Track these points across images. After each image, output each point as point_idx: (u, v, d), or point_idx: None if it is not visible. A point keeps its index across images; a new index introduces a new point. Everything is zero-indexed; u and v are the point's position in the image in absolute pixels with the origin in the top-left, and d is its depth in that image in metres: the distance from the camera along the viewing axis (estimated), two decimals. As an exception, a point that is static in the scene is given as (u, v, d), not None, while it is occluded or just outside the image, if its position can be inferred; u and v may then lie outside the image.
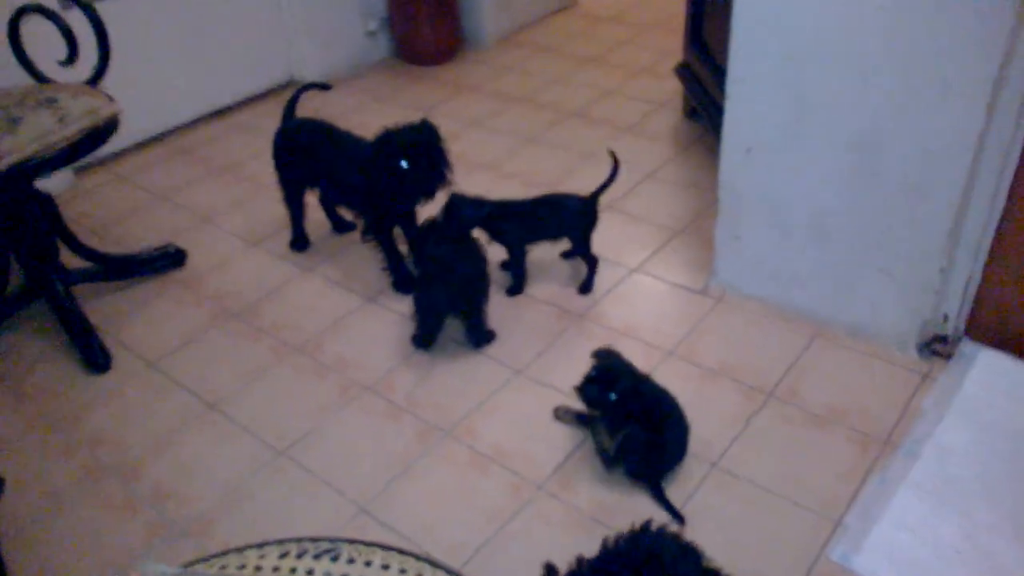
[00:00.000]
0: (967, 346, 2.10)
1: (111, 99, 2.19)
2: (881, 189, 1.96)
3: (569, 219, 2.36)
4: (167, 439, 2.00)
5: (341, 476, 1.88)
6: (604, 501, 1.80)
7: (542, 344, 2.22)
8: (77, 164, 3.10)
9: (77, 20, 2.22)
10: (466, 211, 2.20)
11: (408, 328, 2.25)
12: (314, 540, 1.06)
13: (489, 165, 3.05)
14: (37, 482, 1.92)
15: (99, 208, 2.94)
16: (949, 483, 1.80)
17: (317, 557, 1.03)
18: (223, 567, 1.02)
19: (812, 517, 1.74)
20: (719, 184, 2.24)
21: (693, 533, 1.71)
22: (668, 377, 2.02)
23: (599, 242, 2.47)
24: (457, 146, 3.09)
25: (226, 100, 3.55)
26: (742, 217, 2.23)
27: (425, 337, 2.21)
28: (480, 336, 2.21)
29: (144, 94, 3.24)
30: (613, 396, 1.78)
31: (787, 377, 2.08)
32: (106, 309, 2.43)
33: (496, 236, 2.33)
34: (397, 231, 2.40)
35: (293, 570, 1.01)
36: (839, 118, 1.94)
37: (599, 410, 1.86)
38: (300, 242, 2.64)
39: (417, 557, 1.03)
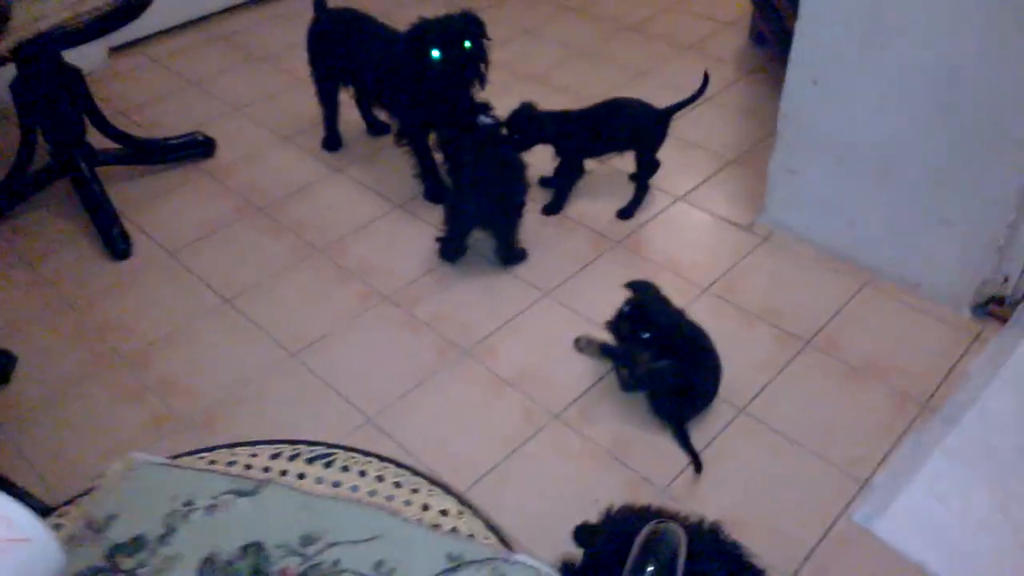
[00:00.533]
0: (1026, 311, 1.97)
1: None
2: (955, 128, 1.79)
3: (641, 130, 2.23)
4: (180, 330, 1.96)
5: (352, 384, 1.82)
6: (621, 436, 1.72)
7: (574, 268, 2.12)
8: (112, 44, 3.01)
9: None
10: (541, 121, 2.09)
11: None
12: (310, 444, 1.00)
13: (536, 77, 2.90)
14: (48, 365, 1.89)
15: (131, 90, 2.86)
16: (987, 452, 1.69)
17: (310, 461, 0.97)
18: (212, 462, 0.97)
19: (837, 474, 1.65)
20: (780, 112, 2.08)
21: (711, 478, 1.64)
22: (702, 315, 1.91)
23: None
24: (504, 54, 2.95)
25: (270, -14, 3.41)
26: (800, 150, 2.08)
27: (453, 249, 2.11)
28: (511, 255, 2.11)
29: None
30: (647, 335, 1.68)
31: (828, 326, 1.96)
32: (130, 193, 2.38)
33: (559, 148, 2.22)
34: (433, 137, 2.28)
35: (284, 472, 0.95)
36: (919, 45, 1.76)
37: (631, 348, 1.77)
38: (332, 141, 2.54)
39: (414, 471, 0.96)
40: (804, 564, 1.51)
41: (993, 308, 1.98)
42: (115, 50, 3.04)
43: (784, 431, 1.73)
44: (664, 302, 1.74)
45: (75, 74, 2.17)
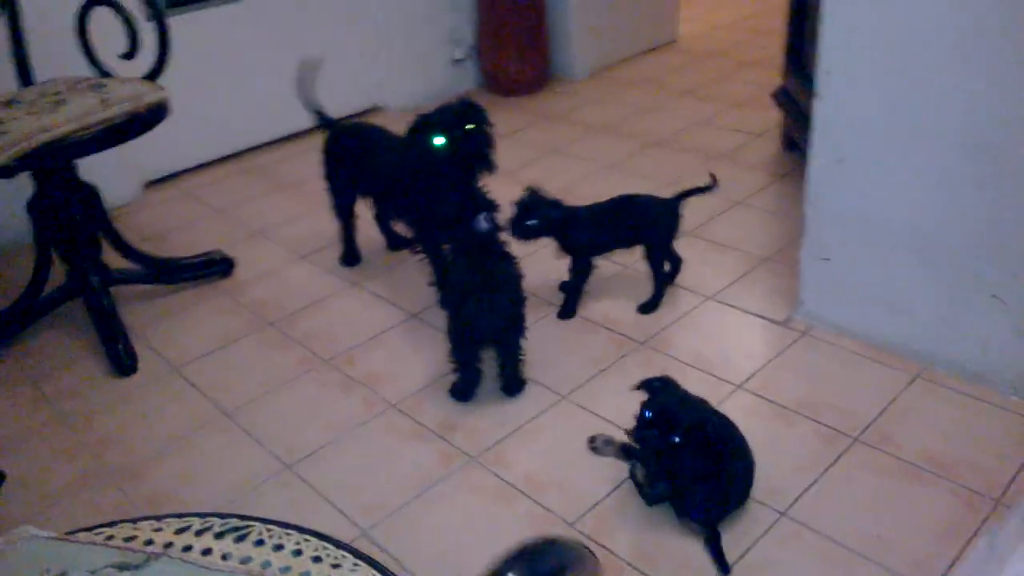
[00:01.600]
0: (1108, 395, 1.73)
1: (161, 88, 2.12)
2: (995, 197, 1.64)
3: (652, 220, 2.12)
4: (176, 444, 1.85)
5: (348, 495, 1.67)
6: (644, 547, 1.51)
7: (593, 370, 1.97)
8: (147, 179, 3.09)
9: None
10: (544, 210, 2.00)
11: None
12: (222, 516, 0.85)
13: (560, 189, 2.85)
14: (36, 482, 1.79)
15: (159, 218, 2.90)
16: (1082, 556, 1.43)
17: (220, 536, 0.82)
18: (109, 537, 0.83)
19: (899, 585, 1.41)
20: (805, 199, 1.96)
21: (746, 589, 1.42)
22: (735, 413, 1.72)
23: (684, 271, 2.26)
24: (531, 172, 2.93)
25: (305, 123, 3.49)
26: (831, 235, 1.94)
27: (464, 381, 1.90)
28: (513, 381, 1.91)
29: (225, 113, 3.23)
30: (677, 439, 1.48)
31: (878, 421, 1.75)
32: (144, 312, 2.34)
33: (565, 243, 2.12)
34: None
35: (187, 547, 0.81)
36: (948, 114, 1.65)
37: (659, 454, 1.57)
38: (350, 257, 2.49)
39: (337, 544, 0.81)
40: None
41: (1068, 395, 1.75)
42: (150, 184, 3.12)
43: (832, 535, 1.50)
44: (686, 397, 1.56)
45: (91, 192, 2.18)
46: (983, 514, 1.52)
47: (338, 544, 0.81)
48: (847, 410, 1.78)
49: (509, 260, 1.87)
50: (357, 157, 2.25)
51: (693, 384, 1.61)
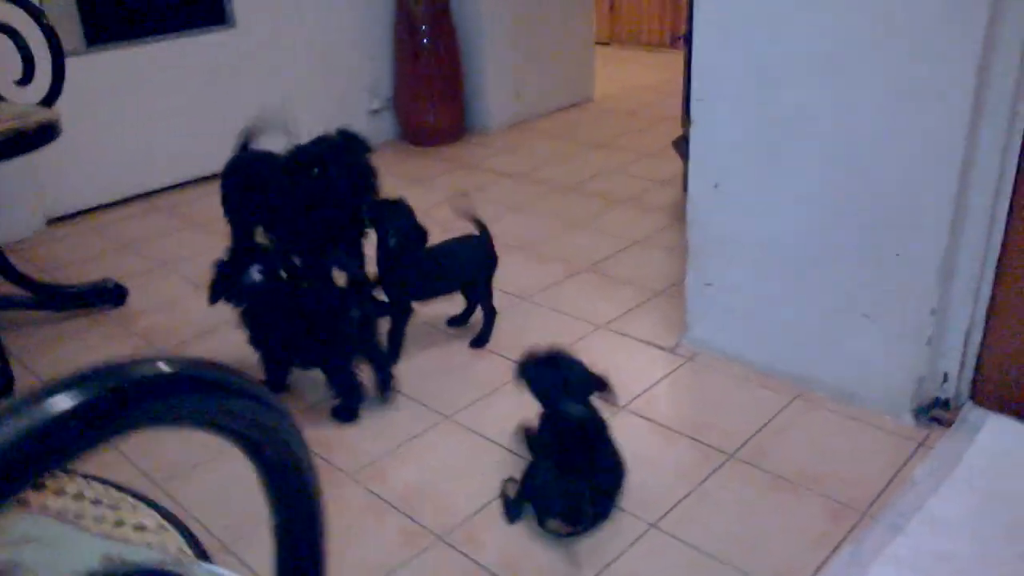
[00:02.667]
0: (972, 412, 1.78)
1: (51, 110, 2.10)
2: (862, 217, 1.71)
3: (472, 263, 2.12)
4: None
5: (205, 510, 1.62)
6: (511, 556, 1.49)
7: (478, 393, 1.96)
8: (50, 215, 3.04)
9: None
10: (393, 222, 2.00)
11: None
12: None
13: (462, 228, 2.87)
14: None
15: (60, 252, 2.84)
16: (938, 560, 1.45)
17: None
18: None
19: (762, 590, 1.40)
20: (687, 222, 2.01)
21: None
22: (616, 432, 1.74)
23: (571, 300, 2.28)
24: (439, 212, 2.95)
25: (219, 167, 3.49)
26: (713, 260, 1.99)
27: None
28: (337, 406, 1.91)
29: (137, 152, 3.20)
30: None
31: (756, 438, 1.77)
32: (29, 338, 2.27)
33: (387, 290, 2.06)
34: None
35: None
36: (814, 137, 1.72)
37: (546, 399, 1.59)
38: None
39: (118, 487, 0.78)
40: None
41: (937, 412, 1.79)
42: (54, 221, 3.06)
43: (700, 545, 1.50)
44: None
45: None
46: (850, 524, 1.53)
47: (118, 487, 0.78)
48: (726, 429, 1.80)
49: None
50: (256, 188, 2.24)
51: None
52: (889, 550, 1.47)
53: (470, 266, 2.12)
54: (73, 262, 2.76)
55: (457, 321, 2.22)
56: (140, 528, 0.72)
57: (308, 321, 1.83)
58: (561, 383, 1.55)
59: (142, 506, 0.76)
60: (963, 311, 1.71)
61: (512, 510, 1.56)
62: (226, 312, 2.34)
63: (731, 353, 2.02)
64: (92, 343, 2.25)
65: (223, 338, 2.25)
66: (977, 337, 1.74)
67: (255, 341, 1.92)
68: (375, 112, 3.80)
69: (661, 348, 2.11)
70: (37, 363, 2.17)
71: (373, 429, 1.85)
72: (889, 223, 1.68)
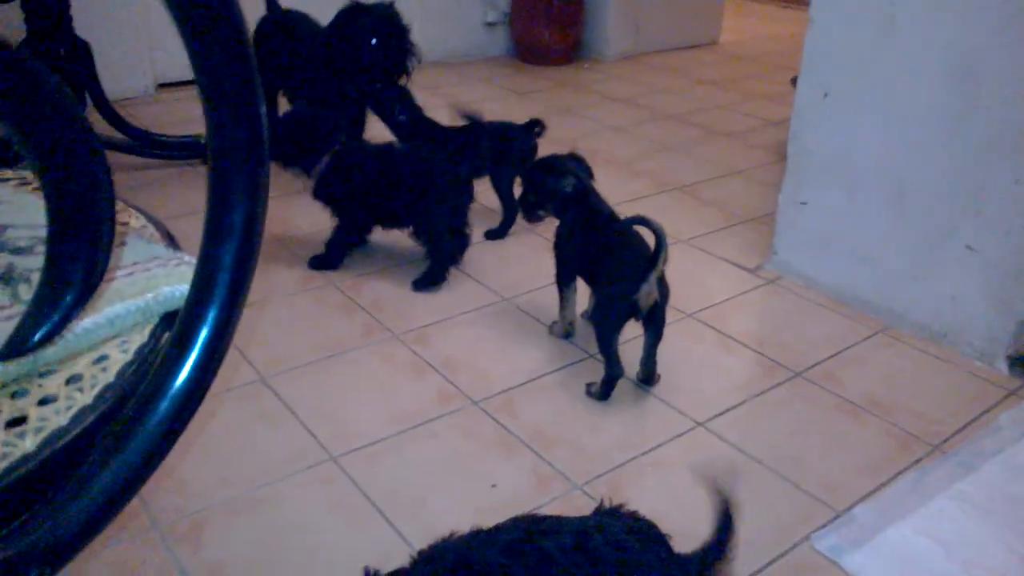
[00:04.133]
0: (1078, 368, 1.60)
1: None
2: (978, 138, 1.54)
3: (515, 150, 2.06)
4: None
5: (260, 345, 1.61)
6: (544, 429, 1.42)
7: (542, 282, 1.89)
8: (162, 79, 3.10)
9: None
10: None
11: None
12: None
13: (566, 142, 2.79)
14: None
15: (165, 113, 2.88)
16: (1013, 502, 1.30)
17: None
18: None
19: (805, 500, 1.29)
20: (790, 135, 1.87)
21: (641, 483, 1.31)
22: (676, 336, 1.65)
23: (655, 213, 2.16)
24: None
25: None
26: (811, 177, 1.85)
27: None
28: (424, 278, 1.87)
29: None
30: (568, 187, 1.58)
31: (828, 363, 1.64)
32: (124, 178, 2.32)
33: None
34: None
35: None
36: (933, 44, 1.56)
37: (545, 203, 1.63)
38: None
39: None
40: (740, 586, 1.14)
41: (1036, 364, 1.62)
42: (164, 85, 3.12)
43: (746, 449, 1.39)
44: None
45: (84, 46, 2.18)
46: (916, 456, 1.40)
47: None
48: (796, 349, 1.68)
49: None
50: (281, 45, 2.22)
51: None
52: (957, 486, 1.33)
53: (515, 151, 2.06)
54: (175, 123, 2.81)
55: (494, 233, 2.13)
56: (123, 223, 0.69)
57: (412, 180, 1.81)
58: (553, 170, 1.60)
59: (124, 206, 0.72)
60: (1085, 252, 1.53)
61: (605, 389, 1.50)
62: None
63: (817, 280, 1.89)
64: (173, 192, 2.29)
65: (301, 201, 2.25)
66: (1097, 285, 1.56)
67: (341, 204, 1.88)
68: (491, 25, 3.73)
69: (743, 268, 1.98)
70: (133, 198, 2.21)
71: (426, 300, 1.81)
72: (1007, 145, 1.51)
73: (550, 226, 1.70)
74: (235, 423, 1.41)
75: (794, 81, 2.84)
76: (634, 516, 0.97)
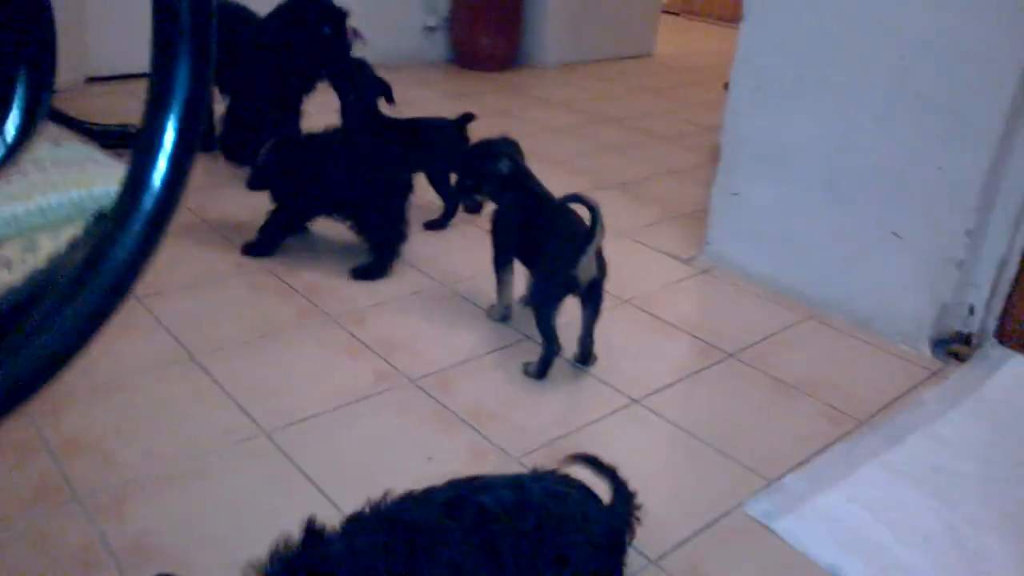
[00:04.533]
0: (994, 350, 1.67)
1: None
2: (906, 125, 1.60)
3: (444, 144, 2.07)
4: None
5: (192, 327, 1.57)
6: (481, 406, 1.42)
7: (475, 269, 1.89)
8: (92, 73, 3.03)
9: None
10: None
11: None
12: None
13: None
14: None
15: (95, 106, 2.81)
16: (936, 472, 1.34)
17: None
18: None
19: (738, 470, 1.32)
20: (723, 128, 1.92)
21: (588, 450, 1.33)
22: (615, 323, 1.66)
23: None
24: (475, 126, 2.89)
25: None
26: (743, 167, 1.89)
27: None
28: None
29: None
30: (504, 168, 1.59)
31: (760, 345, 1.68)
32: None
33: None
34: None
35: None
36: (868, 34, 1.62)
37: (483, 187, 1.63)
38: (201, 143, 2.46)
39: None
40: (676, 549, 1.15)
41: (957, 347, 1.68)
42: (93, 80, 3.04)
43: (681, 424, 1.41)
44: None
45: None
46: (845, 430, 1.44)
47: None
48: (729, 334, 1.71)
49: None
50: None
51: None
52: (884, 456, 1.37)
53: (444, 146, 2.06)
54: (105, 115, 2.74)
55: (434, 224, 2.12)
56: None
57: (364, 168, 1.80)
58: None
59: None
60: (1000, 238, 1.60)
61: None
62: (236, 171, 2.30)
63: (748, 271, 1.93)
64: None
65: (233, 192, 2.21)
66: (1012, 271, 1.63)
67: (279, 194, 1.85)
68: (430, 29, 3.74)
69: (677, 259, 2.02)
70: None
71: (364, 285, 1.79)
72: (934, 133, 1.57)
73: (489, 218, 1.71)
74: (163, 400, 1.37)
75: (727, 86, 2.93)
76: (567, 476, 0.98)
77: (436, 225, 2.08)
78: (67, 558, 1.06)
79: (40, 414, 1.30)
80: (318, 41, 2.05)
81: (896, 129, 1.62)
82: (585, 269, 1.42)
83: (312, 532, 0.84)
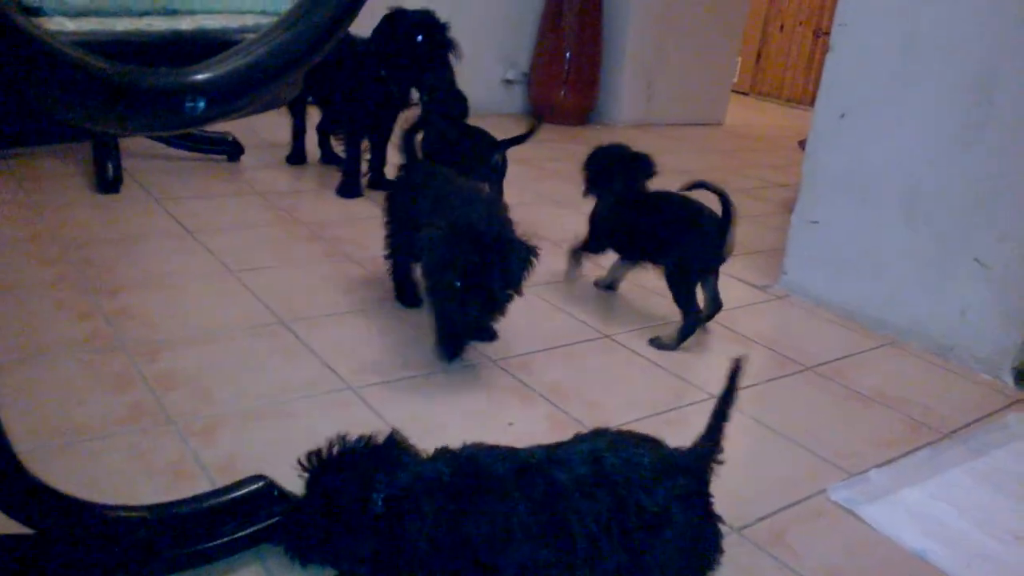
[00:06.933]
0: (1083, 382, 1.63)
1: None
2: (989, 149, 1.62)
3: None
4: (154, 271, 1.77)
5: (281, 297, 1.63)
6: (419, 415, 1.39)
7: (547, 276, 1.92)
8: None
9: None
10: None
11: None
12: None
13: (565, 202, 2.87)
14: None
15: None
16: (1021, 479, 1.31)
17: None
18: None
19: (820, 463, 1.30)
20: (805, 155, 1.95)
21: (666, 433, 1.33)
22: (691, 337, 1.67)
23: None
24: (543, 185, 2.97)
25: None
26: (824, 195, 1.91)
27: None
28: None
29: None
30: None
31: (837, 363, 1.67)
32: (143, 164, 2.37)
33: None
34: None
35: None
36: (950, 58, 1.66)
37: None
38: (295, 156, 2.60)
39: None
40: (760, 521, 1.14)
41: (1042, 379, 1.65)
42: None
43: (760, 420, 1.40)
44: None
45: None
46: (927, 439, 1.41)
47: None
48: (804, 350, 1.70)
49: None
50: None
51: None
52: (968, 464, 1.34)
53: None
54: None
55: None
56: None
57: None
58: None
59: None
60: (1090, 266, 1.58)
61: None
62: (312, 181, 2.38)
63: (825, 299, 1.93)
64: (198, 177, 2.33)
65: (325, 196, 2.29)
66: (1102, 301, 1.60)
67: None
68: (508, 82, 3.87)
69: (753, 286, 2.03)
70: (148, 180, 2.25)
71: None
72: (1018, 158, 1.58)
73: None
74: (254, 354, 1.41)
75: (802, 144, 2.97)
76: (645, 437, 0.95)
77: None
78: (160, 469, 1.09)
79: (137, 355, 1.35)
80: (412, 49, 2.16)
81: (979, 154, 1.63)
82: (730, 246, 1.62)
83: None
